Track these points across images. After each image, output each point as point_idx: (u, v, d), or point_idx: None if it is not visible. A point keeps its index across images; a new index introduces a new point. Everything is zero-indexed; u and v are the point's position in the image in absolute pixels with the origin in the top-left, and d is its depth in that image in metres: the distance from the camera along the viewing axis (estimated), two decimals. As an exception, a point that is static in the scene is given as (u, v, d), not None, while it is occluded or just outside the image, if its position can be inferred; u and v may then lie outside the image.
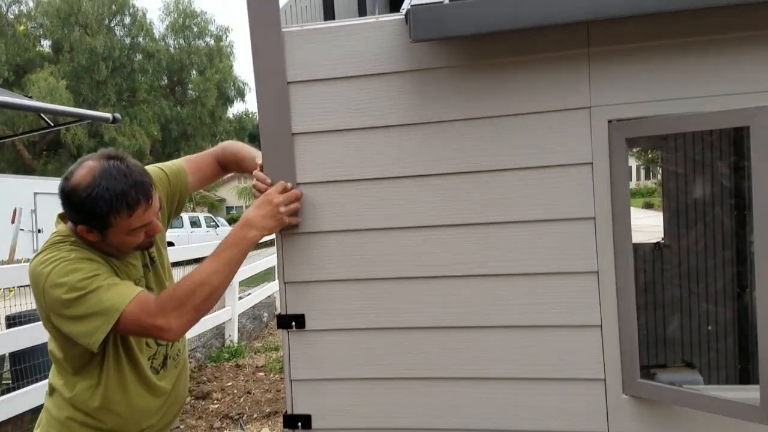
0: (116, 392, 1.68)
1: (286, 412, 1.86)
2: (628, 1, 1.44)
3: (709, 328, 3.17)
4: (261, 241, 1.80)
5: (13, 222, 8.87)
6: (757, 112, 1.41)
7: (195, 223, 21.54)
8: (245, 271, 7.31)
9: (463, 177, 1.70)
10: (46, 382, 1.79)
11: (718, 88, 1.54)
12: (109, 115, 5.56)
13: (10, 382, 4.32)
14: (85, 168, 1.56)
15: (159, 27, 28.63)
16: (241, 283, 7.90)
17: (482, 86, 1.67)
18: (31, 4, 25.54)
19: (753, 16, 1.51)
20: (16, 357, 4.23)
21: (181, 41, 28.18)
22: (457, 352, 1.74)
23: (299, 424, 1.82)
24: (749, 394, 1.52)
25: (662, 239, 3.39)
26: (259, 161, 1.82)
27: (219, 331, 6.82)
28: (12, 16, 25.09)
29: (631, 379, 1.63)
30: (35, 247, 14.30)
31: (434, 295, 1.74)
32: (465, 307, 1.72)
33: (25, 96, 6.32)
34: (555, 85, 1.63)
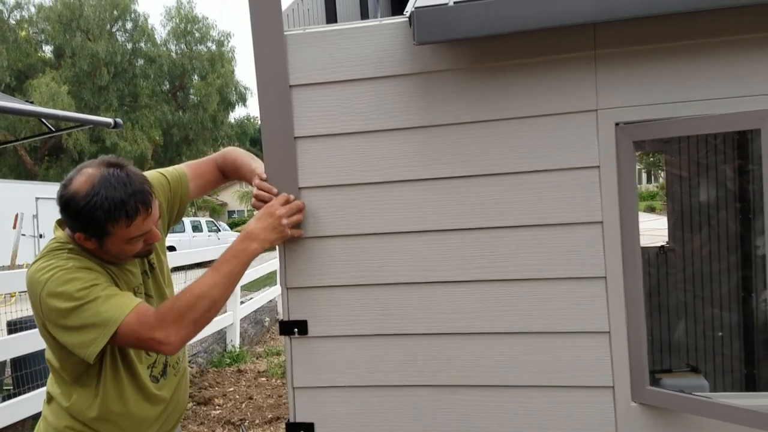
0: (114, 402, 1.65)
1: (288, 420, 1.83)
2: (636, 3, 1.42)
3: (720, 334, 3.14)
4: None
5: (14, 227, 8.88)
6: (768, 114, 1.39)
7: (197, 228, 21.53)
8: (247, 274, 7.27)
9: (467, 181, 1.68)
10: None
11: (727, 90, 1.52)
12: (110, 120, 5.55)
13: (12, 388, 4.30)
14: (84, 175, 1.54)
15: (161, 32, 28.62)
16: (243, 288, 7.88)
17: (487, 89, 1.65)
18: (32, 10, 25.64)
19: (764, 17, 1.49)
20: (18, 363, 4.22)
21: (183, 46, 28.22)
22: (463, 359, 1.71)
23: (302, 432, 1.80)
24: (761, 401, 1.50)
25: (667, 243, 3.37)
26: (257, 170, 1.79)
27: (221, 335, 6.79)
28: (14, 22, 25.13)
29: (640, 386, 1.60)
30: (37, 252, 14.27)
31: (439, 301, 1.71)
32: (470, 314, 1.70)
33: (27, 101, 6.32)
34: (561, 88, 1.61)
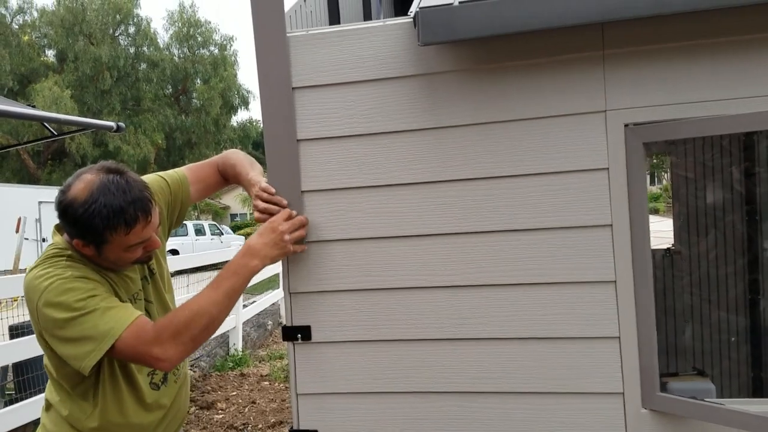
0: (114, 413, 1.62)
1: (292, 427, 1.80)
2: (641, 2, 1.39)
3: (730, 338, 3.10)
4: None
5: (17, 231, 8.87)
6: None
7: (199, 231, 21.53)
8: (249, 278, 7.25)
9: (472, 183, 1.65)
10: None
11: (739, 90, 1.49)
12: (113, 124, 5.53)
13: (14, 392, 4.28)
14: (83, 182, 1.51)
15: (163, 36, 28.64)
16: (245, 291, 7.85)
17: (492, 90, 1.62)
18: (35, 14, 25.71)
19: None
20: (20, 367, 4.20)
21: (186, 50, 28.27)
22: (470, 365, 1.68)
23: (306, 439, 1.77)
24: (775, 408, 1.46)
25: (673, 245, 3.33)
26: (254, 179, 1.75)
27: (223, 339, 6.77)
28: (16, 27, 25.21)
29: (651, 392, 1.57)
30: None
31: (445, 306, 1.68)
32: (476, 319, 1.67)
33: (29, 105, 6.31)
34: (568, 89, 1.58)
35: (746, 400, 2.49)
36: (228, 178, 1.97)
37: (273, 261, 1.65)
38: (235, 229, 29.50)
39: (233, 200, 38.41)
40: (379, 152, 1.69)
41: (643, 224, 1.55)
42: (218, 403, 5.18)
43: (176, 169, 1.93)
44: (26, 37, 25.03)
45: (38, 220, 15.82)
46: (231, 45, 29.08)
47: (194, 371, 5.86)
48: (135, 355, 1.50)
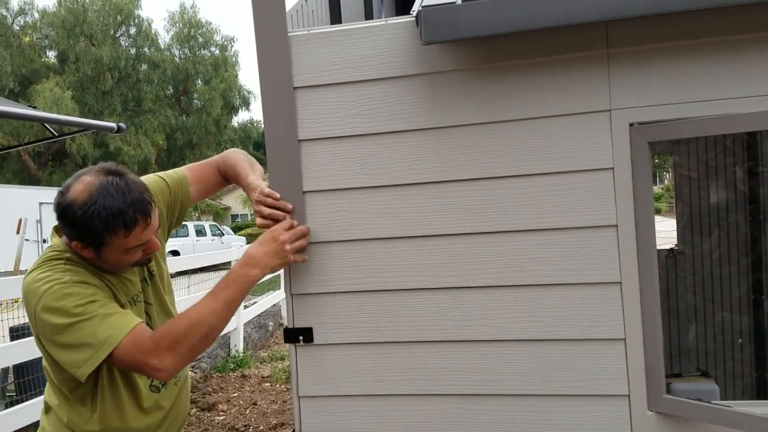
0: (113, 417, 1.61)
1: (294, 429, 1.79)
2: (645, 1, 1.38)
3: (736, 339, 3.08)
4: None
5: (18, 232, 8.86)
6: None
7: (200, 232, 21.52)
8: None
9: (476, 183, 1.64)
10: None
11: (744, 89, 1.47)
12: (113, 125, 5.52)
13: (14, 394, 4.27)
14: (82, 183, 1.49)
15: (164, 37, 28.65)
16: (247, 292, 7.83)
17: (496, 89, 1.61)
18: (36, 16, 25.72)
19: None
20: (20, 369, 4.19)
21: (187, 51, 28.29)
22: (473, 367, 1.67)
23: (308, 442, 1.75)
24: (783, 410, 1.45)
25: (676, 245, 3.31)
26: (253, 183, 1.73)
27: (224, 340, 6.76)
28: (17, 28, 25.23)
29: (657, 394, 1.55)
30: (41, 257, 14.27)
31: (448, 307, 1.67)
32: (480, 320, 1.65)
33: (30, 106, 6.30)
34: (572, 88, 1.56)
35: (750, 402, 2.47)
36: (228, 179, 1.95)
37: (273, 271, 1.63)
38: (236, 229, 29.47)
39: (234, 201, 38.40)
40: (382, 152, 1.67)
41: (648, 224, 1.53)
42: (219, 405, 5.17)
43: (176, 169, 1.91)
44: (27, 38, 25.06)
45: (39, 221, 15.82)
46: (232, 46, 29.13)
47: (195, 372, 5.85)
48: (132, 363, 1.49)
